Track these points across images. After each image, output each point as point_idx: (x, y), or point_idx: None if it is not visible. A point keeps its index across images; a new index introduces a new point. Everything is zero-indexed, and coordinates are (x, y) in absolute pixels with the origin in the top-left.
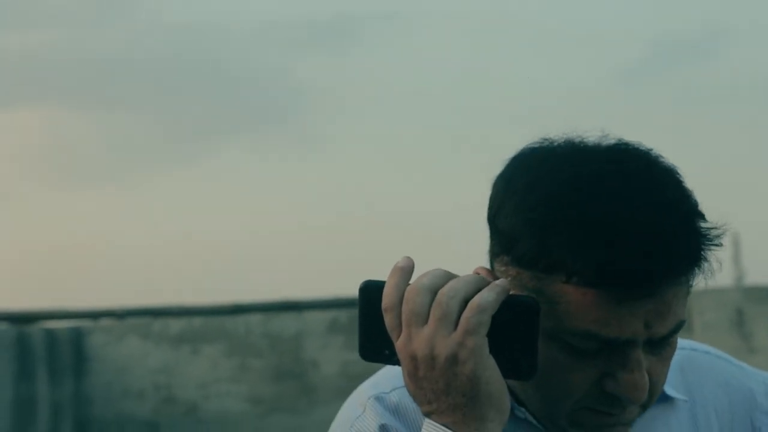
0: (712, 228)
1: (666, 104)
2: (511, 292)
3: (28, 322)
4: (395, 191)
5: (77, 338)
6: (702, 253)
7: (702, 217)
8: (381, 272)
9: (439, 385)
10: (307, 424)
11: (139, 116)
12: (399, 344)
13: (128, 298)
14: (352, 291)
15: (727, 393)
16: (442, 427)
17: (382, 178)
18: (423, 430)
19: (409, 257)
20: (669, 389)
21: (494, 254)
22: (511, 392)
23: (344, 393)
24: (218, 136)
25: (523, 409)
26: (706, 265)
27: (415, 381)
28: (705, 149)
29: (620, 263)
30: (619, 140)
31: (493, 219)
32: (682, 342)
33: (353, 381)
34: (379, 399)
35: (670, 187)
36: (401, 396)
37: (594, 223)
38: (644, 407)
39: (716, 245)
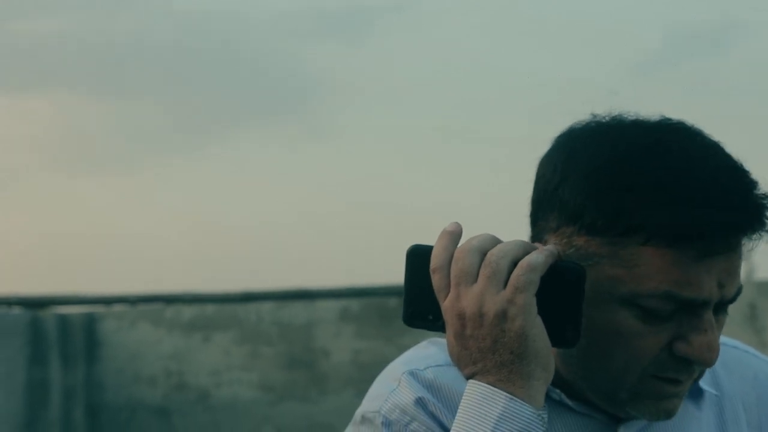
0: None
1: (679, 97)
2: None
3: (41, 307)
4: (406, 181)
5: (90, 324)
6: (764, 210)
7: (756, 181)
8: (391, 261)
9: (486, 343)
10: (318, 412)
11: (151, 104)
12: (446, 303)
13: (141, 285)
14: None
15: (755, 387)
16: (488, 386)
17: (394, 168)
18: (466, 390)
19: (457, 222)
20: (701, 382)
21: (551, 230)
22: None
23: (355, 382)
24: (230, 125)
25: (558, 391)
26: (764, 228)
27: (461, 341)
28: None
29: (697, 220)
30: (663, 116)
31: (554, 192)
32: None
33: (364, 370)
34: (413, 374)
35: (725, 151)
36: (436, 373)
37: (668, 184)
38: (698, 379)
39: None
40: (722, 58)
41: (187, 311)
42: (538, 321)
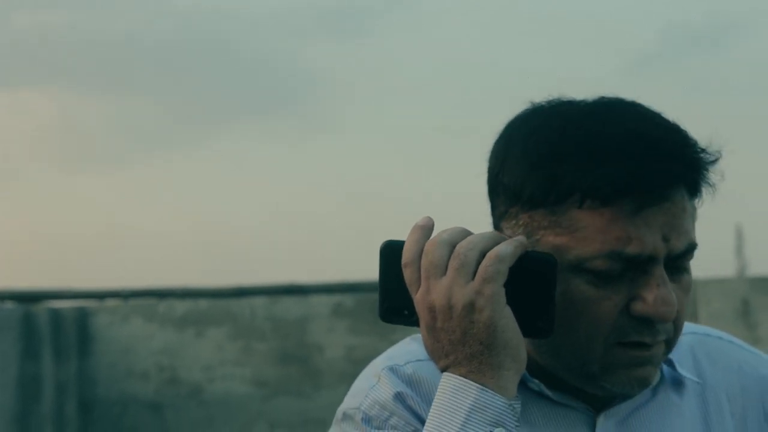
0: (707, 147)
1: (675, 94)
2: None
3: (33, 302)
4: (402, 177)
5: (82, 318)
6: (701, 161)
7: (694, 137)
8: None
9: (456, 335)
10: (312, 408)
11: (147, 99)
12: (418, 297)
13: (133, 280)
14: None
15: (740, 378)
16: (460, 378)
17: (390, 165)
18: (440, 382)
19: (429, 216)
20: (683, 371)
21: (501, 215)
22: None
23: (349, 377)
24: (226, 120)
25: (536, 381)
26: (706, 179)
27: (432, 333)
28: (711, 138)
29: (627, 174)
30: (601, 96)
31: (496, 179)
32: (695, 327)
33: (358, 365)
34: (393, 370)
35: (662, 117)
36: (416, 368)
37: (598, 146)
38: (669, 345)
39: (713, 161)
40: (718, 56)
41: (180, 306)
42: (507, 311)
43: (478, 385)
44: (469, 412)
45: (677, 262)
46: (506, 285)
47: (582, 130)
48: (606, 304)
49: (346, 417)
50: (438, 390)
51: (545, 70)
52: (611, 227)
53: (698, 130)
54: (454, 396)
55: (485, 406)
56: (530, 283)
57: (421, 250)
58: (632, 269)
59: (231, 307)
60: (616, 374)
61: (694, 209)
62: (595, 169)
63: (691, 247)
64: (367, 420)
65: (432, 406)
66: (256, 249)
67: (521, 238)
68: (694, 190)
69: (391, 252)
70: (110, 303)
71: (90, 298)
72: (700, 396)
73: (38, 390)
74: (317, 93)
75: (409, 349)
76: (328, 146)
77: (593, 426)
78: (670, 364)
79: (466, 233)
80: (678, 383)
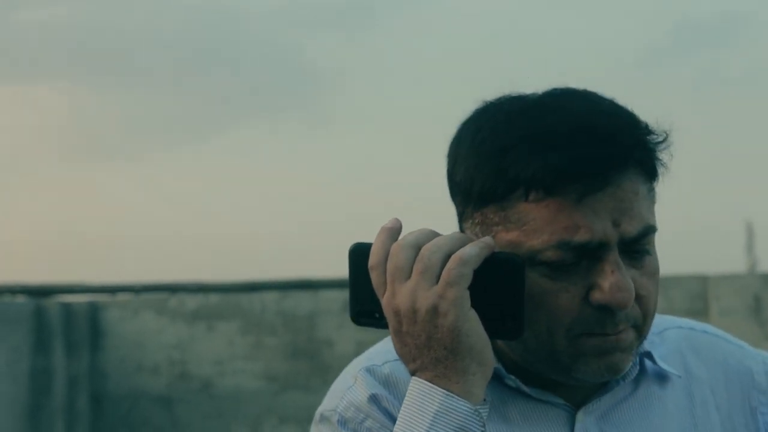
0: (654, 128)
1: (685, 88)
2: (495, 250)
3: (45, 296)
4: (411, 171)
5: (93, 313)
6: (647, 143)
7: (640, 120)
8: None
9: (421, 339)
10: (320, 402)
11: (156, 93)
12: (384, 300)
13: (145, 274)
14: None
15: (725, 372)
16: (426, 383)
17: (398, 159)
18: (409, 387)
19: (396, 218)
20: (663, 364)
21: (460, 216)
22: (502, 360)
23: None
24: (236, 114)
25: (513, 377)
26: (656, 160)
27: (399, 337)
28: (721, 135)
29: (569, 161)
30: (553, 87)
31: (451, 179)
32: (680, 321)
33: None
34: (370, 371)
35: (607, 99)
36: (393, 368)
37: (540, 136)
38: (639, 331)
39: (661, 142)
40: (728, 50)
41: (191, 301)
42: (472, 315)
43: (443, 390)
44: (435, 417)
45: (634, 246)
46: (473, 287)
47: (526, 121)
48: (564, 296)
49: (323, 419)
50: (407, 394)
51: (554, 66)
52: (558, 217)
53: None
54: (420, 401)
55: (450, 412)
56: (498, 285)
57: (388, 253)
58: (587, 258)
59: (242, 302)
60: (585, 363)
61: (650, 192)
62: (538, 160)
63: (648, 230)
64: (343, 422)
65: (400, 411)
66: (267, 244)
67: (488, 239)
68: (645, 173)
69: (359, 255)
70: (121, 297)
71: (101, 292)
72: (686, 390)
73: (49, 384)
74: (326, 88)
75: (388, 347)
76: (337, 140)
77: (572, 422)
78: (650, 357)
79: (433, 235)
80: (661, 377)
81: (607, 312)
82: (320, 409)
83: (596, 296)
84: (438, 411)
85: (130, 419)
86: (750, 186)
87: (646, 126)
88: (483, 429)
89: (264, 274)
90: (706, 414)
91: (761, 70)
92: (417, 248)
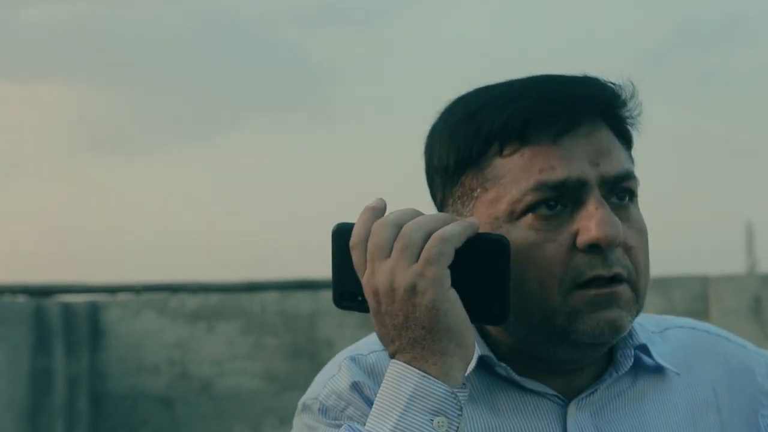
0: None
1: (687, 88)
2: (480, 231)
3: (45, 296)
4: (414, 170)
5: (94, 312)
6: (613, 90)
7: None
8: None
9: (399, 319)
10: None
11: (158, 91)
12: (364, 281)
13: (145, 274)
14: None
15: (727, 373)
16: (403, 364)
17: (403, 157)
18: (387, 370)
19: (381, 198)
20: (660, 360)
21: (442, 201)
22: (494, 348)
23: None
24: (238, 113)
25: (503, 365)
26: (624, 111)
27: (378, 318)
28: (722, 135)
29: (538, 105)
30: None
31: (430, 168)
32: (682, 320)
33: None
34: (354, 360)
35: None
36: (379, 357)
37: (509, 93)
38: (634, 288)
39: (629, 94)
40: (729, 50)
41: (192, 301)
42: (452, 295)
43: (419, 372)
44: (410, 399)
45: (616, 189)
46: (456, 268)
47: (493, 88)
48: (551, 247)
49: (305, 407)
50: (385, 376)
51: (556, 65)
52: (534, 161)
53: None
54: (396, 384)
55: (426, 394)
56: (482, 267)
57: (369, 232)
58: (569, 203)
59: (242, 302)
60: (583, 321)
61: (627, 152)
62: (507, 111)
63: (629, 174)
64: (324, 411)
65: (378, 393)
66: (268, 244)
67: (472, 218)
68: (619, 134)
69: (343, 235)
70: (122, 297)
71: (101, 292)
72: (687, 390)
73: (49, 384)
74: (328, 84)
75: (375, 339)
76: (341, 138)
77: (564, 414)
78: (646, 351)
79: (416, 214)
80: (660, 375)
81: (597, 253)
82: (303, 398)
83: (583, 237)
84: (413, 393)
85: (130, 419)
86: (750, 186)
87: (613, 83)
88: (460, 413)
89: (264, 274)
90: (707, 415)
91: (764, 71)
92: (398, 227)
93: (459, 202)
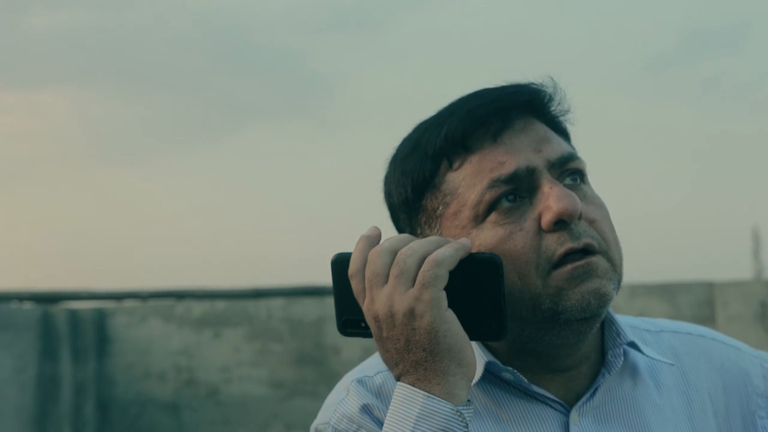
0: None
1: (692, 94)
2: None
3: (52, 302)
4: None
5: (100, 319)
6: (539, 89)
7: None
8: None
9: (400, 343)
10: None
11: (163, 99)
12: (364, 307)
13: (152, 281)
14: None
15: (722, 376)
16: (409, 386)
17: None
18: (394, 393)
19: (375, 226)
20: (652, 352)
21: (413, 231)
22: (495, 354)
23: None
24: (243, 120)
25: (511, 369)
26: (555, 107)
27: (381, 343)
28: (728, 142)
29: (471, 113)
30: None
31: (392, 206)
32: (677, 325)
33: None
34: (361, 382)
35: None
36: (385, 378)
37: (441, 114)
38: (608, 258)
39: (556, 90)
40: (733, 58)
41: (198, 307)
42: (449, 316)
43: (424, 392)
44: (417, 420)
45: (563, 169)
46: (451, 289)
47: (429, 117)
48: (519, 236)
49: None
50: (392, 399)
51: (561, 71)
52: (482, 164)
53: None
54: (403, 405)
55: (432, 414)
56: (477, 286)
57: (366, 261)
58: (525, 193)
59: (248, 309)
60: (568, 297)
61: (564, 138)
62: (445, 126)
63: (572, 156)
64: None
65: (387, 415)
66: (274, 250)
67: (464, 240)
68: (546, 119)
69: (341, 265)
70: (128, 304)
71: (108, 299)
72: (684, 395)
73: (56, 390)
74: (331, 91)
75: (379, 359)
76: (344, 146)
77: (566, 424)
78: (634, 346)
79: (410, 240)
80: (658, 379)
81: (564, 229)
82: (314, 424)
83: (546, 217)
84: (420, 414)
85: (137, 426)
86: (756, 192)
87: (535, 84)
88: (466, 430)
89: (270, 280)
90: (705, 419)
91: (765, 77)
92: (393, 253)
93: (426, 226)
